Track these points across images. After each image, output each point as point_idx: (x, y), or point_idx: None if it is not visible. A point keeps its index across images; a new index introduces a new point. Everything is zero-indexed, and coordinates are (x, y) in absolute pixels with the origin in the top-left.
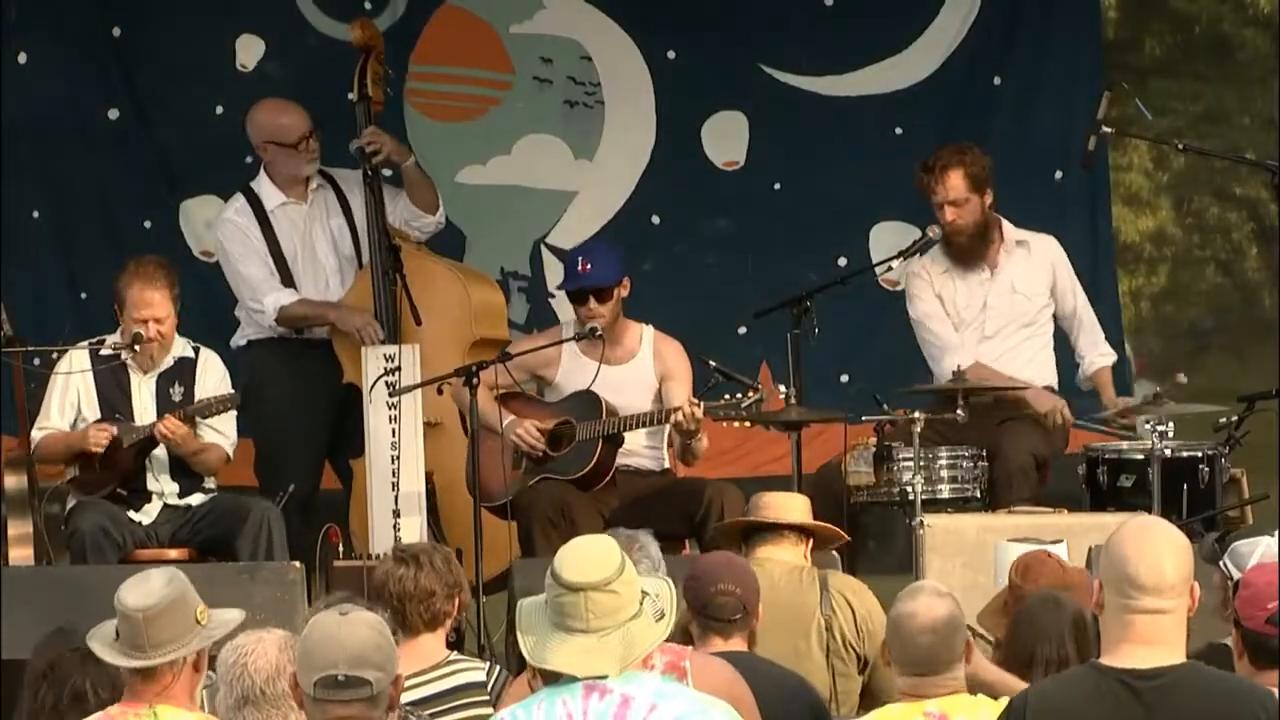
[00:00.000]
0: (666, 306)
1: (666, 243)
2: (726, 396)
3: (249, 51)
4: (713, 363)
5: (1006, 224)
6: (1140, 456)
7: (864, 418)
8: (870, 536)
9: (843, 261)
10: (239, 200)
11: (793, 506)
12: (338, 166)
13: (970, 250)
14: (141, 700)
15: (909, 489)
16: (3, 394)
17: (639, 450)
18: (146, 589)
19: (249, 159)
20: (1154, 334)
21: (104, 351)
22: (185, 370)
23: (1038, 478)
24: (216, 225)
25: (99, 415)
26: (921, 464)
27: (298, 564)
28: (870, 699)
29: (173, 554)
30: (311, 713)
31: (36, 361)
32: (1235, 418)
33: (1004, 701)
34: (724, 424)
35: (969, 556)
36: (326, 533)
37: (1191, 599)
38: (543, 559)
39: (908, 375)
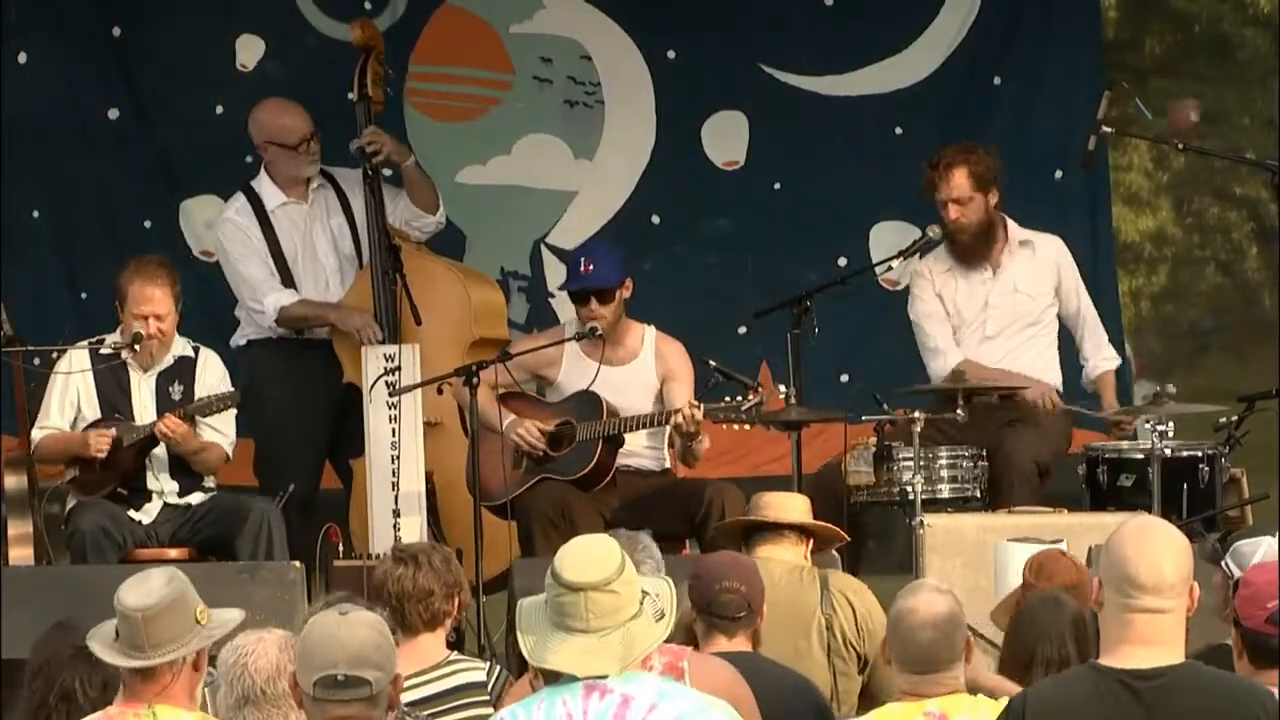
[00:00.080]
0: (666, 306)
1: (666, 243)
2: (727, 399)
3: (249, 51)
4: (713, 363)
5: (1011, 224)
6: (1140, 456)
7: (864, 418)
8: (870, 536)
9: (843, 261)
10: (239, 200)
11: (793, 506)
12: (338, 166)
13: (973, 249)
14: (141, 700)
15: (909, 489)
16: (3, 394)
17: (639, 450)
18: (146, 589)
19: (249, 159)
20: (1154, 334)
21: (104, 351)
22: (185, 369)
23: (1038, 481)
24: (217, 225)
25: (99, 414)
26: (921, 464)
27: (298, 564)
28: (870, 699)
29: (173, 553)
30: (311, 712)
31: (36, 361)
32: (1235, 418)
33: (1004, 701)
34: (724, 426)
35: (969, 556)
36: (326, 532)
37: (1191, 599)
38: (543, 559)
39: (908, 375)
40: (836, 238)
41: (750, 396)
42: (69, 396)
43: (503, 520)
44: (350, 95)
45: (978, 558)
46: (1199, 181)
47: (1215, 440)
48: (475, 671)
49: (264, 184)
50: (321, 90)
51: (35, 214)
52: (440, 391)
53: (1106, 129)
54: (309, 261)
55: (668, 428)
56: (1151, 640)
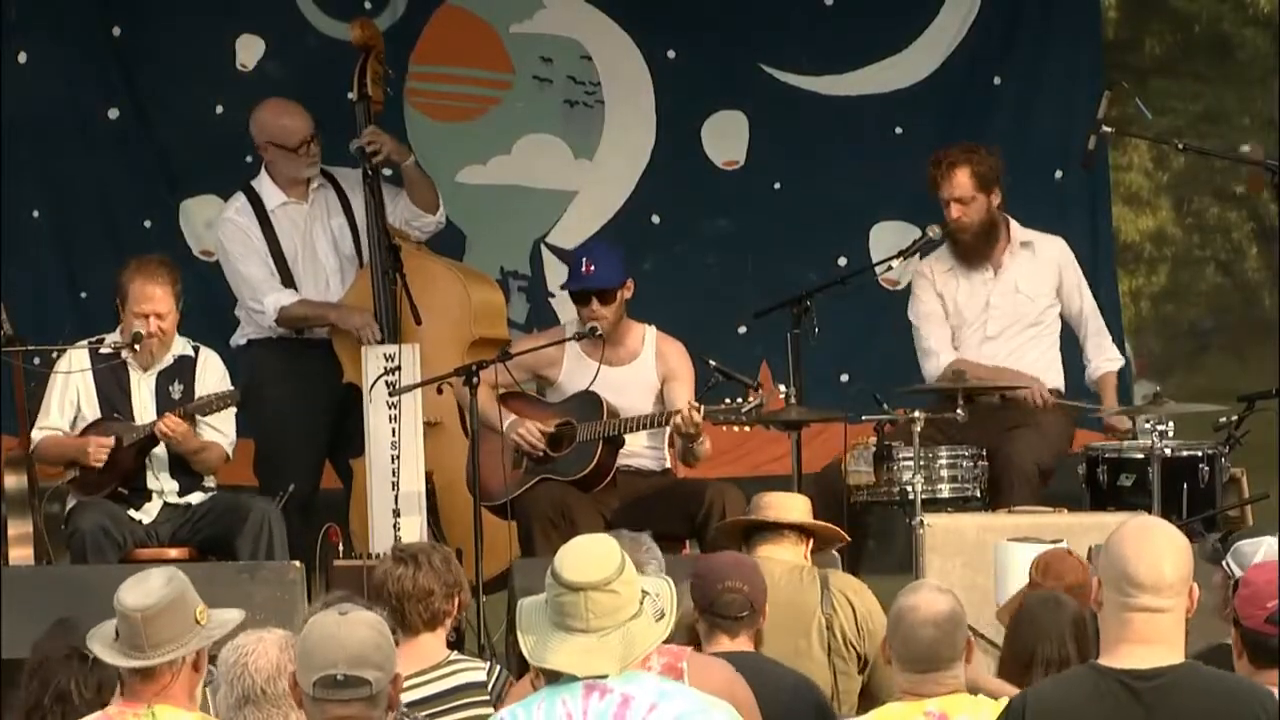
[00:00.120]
0: (666, 306)
1: (666, 243)
2: (727, 401)
3: (249, 51)
4: (713, 362)
5: (1014, 224)
6: (1140, 456)
7: (864, 418)
8: (870, 536)
9: (843, 261)
10: (239, 199)
11: (794, 506)
12: (339, 166)
13: (974, 249)
14: (140, 700)
15: (909, 489)
16: (3, 394)
17: (640, 450)
18: (145, 589)
19: (249, 159)
20: (1154, 334)
21: (103, 350)
22: (185, 369)
23: (1040, 483)
24: (217, 224)
25: (98, 414)
26: (921, 464)
27: (298, 564)
28: (869, 699)
29: (173, 553)
30: (311, 712)
31: (36, 361)
32: (1235, 417)
33: (1004, 702)
34: (724, 427)
35: (969, 556)
36: (326, 532)
37: (1190, 599)
38: (543, 559)
39: (908, 375)
40: (836, 238)
41: (751, 398)
42: (69, 396)
43: (503, 520)
44: (350, 95)
45: (978, 558)
46: (1199, 181)
47: (1215, 440)
48: (475, 671)
49: (264, 184)
50: (321, 90)
51: (35, 214)
52: (440, 391)
53: (1106, 129)
54: (309, 261)
55: (668, 427)
56: (1151, 640)
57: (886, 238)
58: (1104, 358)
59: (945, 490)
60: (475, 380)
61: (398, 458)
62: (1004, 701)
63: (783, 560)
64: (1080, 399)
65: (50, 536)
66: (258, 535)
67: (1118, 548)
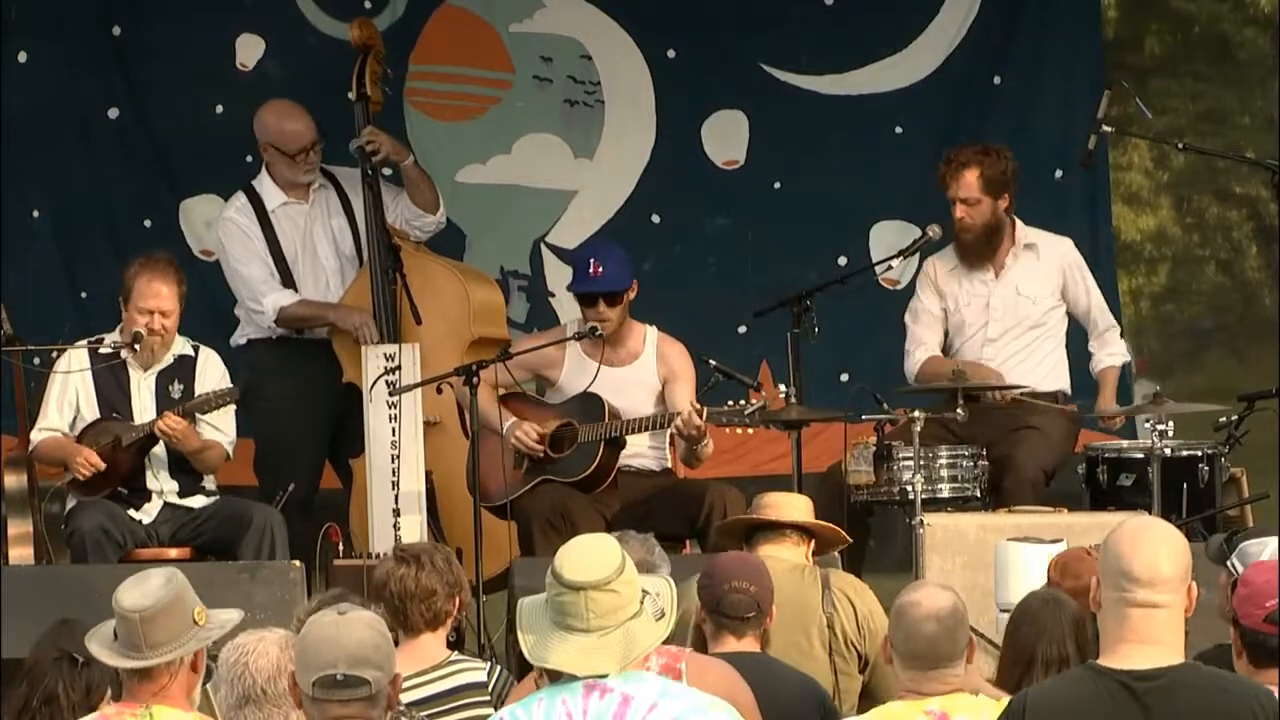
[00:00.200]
0: (666, 306)
1: (666, 242)
2: (730, 403)
3: (249, 51)
4: (713, 362)
5: (1020, 226)
6: (1140, 456)
7: (864, 417)
8: (870, 536)
9: (843, 261)
10: (240, 199)
11: (795, 506)
12: (339, 166)
13: (976, 251)
14: (138, 701)
15: (909, 489)
16: (2, 394)
17: (642, 450)
18: (144, 589)
19: (249, 159)
20: (1154, 334)
21: (103, 350)
22: (185, 368)
23: (1044, 486)
24: (217, 224)
25: (98, 414)
26: (921, 463)
27: (298, 563)
28: (870, 699)
29: (173, 553)
30: (310, 712)
31: (36, 361)
32: (1235, 417)
33: (1005, 702)
34: (726, 429)
35: (969, 556)
36: (326, 532)
37: (1189, 598)
38: (543, 559)
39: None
40: (836, 238)
41: (753, 400)
42: (68, 397)
43: (502, 520)
44: (349, 95)
45: (978, 557)
46: (1199, 181)
47: (1215, 440)
48: (476, 672)
49: (265, 184)
50: (321, 90)
51: (35, 214)
52: (440, 391)
53: (1106, 128)
54: (309, 262)
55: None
56: (1149, 638)
57: (886, 238)
58: (1106, 352)
59: (945, 490)
60: (475, 380)
61: (398, 457)
62: (1004, 702)
63: (784, 560)
64: (1087, 401)
65: (50, 536)
66: (260, 541)
67: (1115, 546)
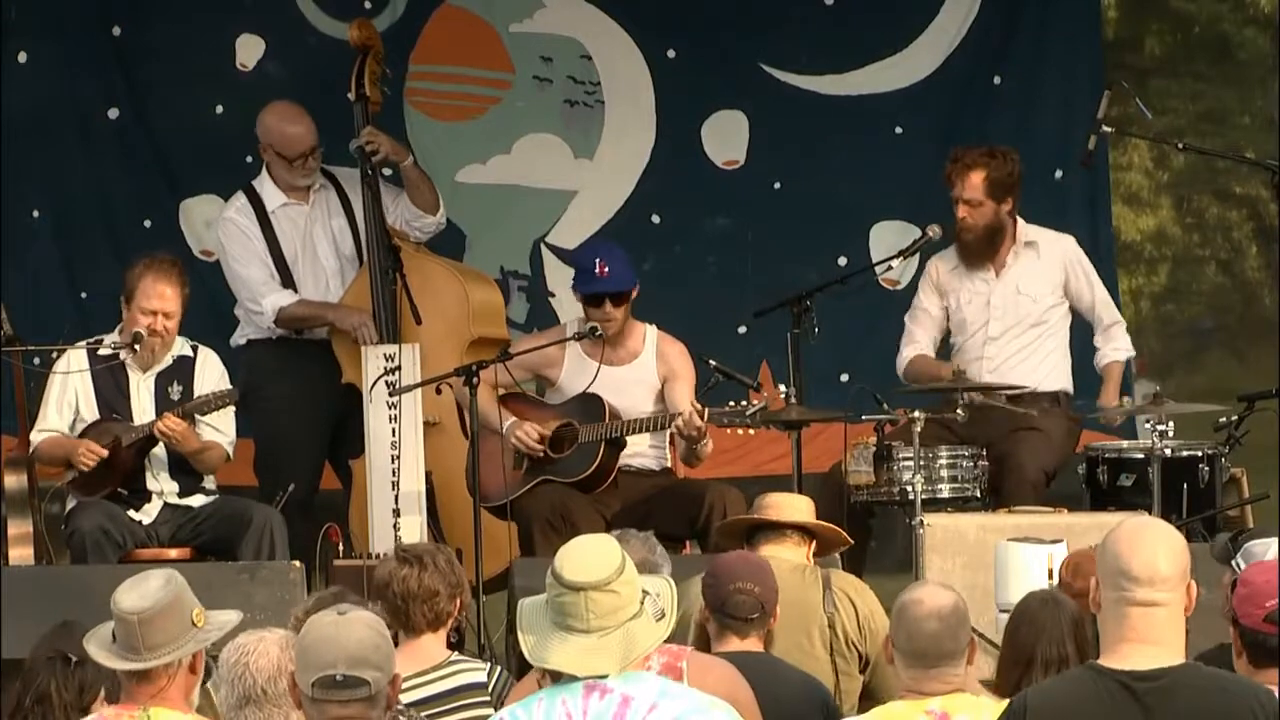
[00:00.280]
0: (666, 306)
1: (666, 242)
2: (731, 403)
3: (249, 51)
4: (713, 362)
5: (1021, 224)
6: (1140, 456)
7: (864, 417)
8: (871, 536)
9: (843, 261)
10: (240, 199)
11: (797, 507)
12: (340, 167)
13: (976, 251)
14: (136, 702)
15: (909, 489)
16: (2, 394)
17: (643, 450)
18: (142, 591)
19: (249, 159)
20: (1154, 334)
21: (102, 351)
22: (184, 369)
23: (1045, 488)
24: (217, 224)
25: (97, 415)
26: (921, 464)
27: (298, 563)
28: (870, 699)
29: (173, 554)
30: (310, 713)
31: (36, 361)
32: (1235, 417)
33: (1005, 702)
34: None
35: (969, 556)
36: (326, 532)
37: (1189, 597)
38: (543, 559)
39: None
40: (836, 238)
41: (754, 400)
42: (67, 398)
43: (502, 520)
44: (348, 95)
45: (978, 558)
46: (1199, 181)
47: (1215, 440)
48: (476, 672)
49: (265, 184)
50: (321, 90)
51: (35, 214)
52: (439, 391)
53: (1106, 129)
54: (309, 262)
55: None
56: (1149, 638)
57: (886, 238)
58: (1112, 346)
59: (945, 490)
60: (475, 380)
61: (398, 458)
62: (1005, 702)
63: (785, 560)
64: (1089, 400)
65: (50, 537)
66: (260, 541)
67: (1113, 546)
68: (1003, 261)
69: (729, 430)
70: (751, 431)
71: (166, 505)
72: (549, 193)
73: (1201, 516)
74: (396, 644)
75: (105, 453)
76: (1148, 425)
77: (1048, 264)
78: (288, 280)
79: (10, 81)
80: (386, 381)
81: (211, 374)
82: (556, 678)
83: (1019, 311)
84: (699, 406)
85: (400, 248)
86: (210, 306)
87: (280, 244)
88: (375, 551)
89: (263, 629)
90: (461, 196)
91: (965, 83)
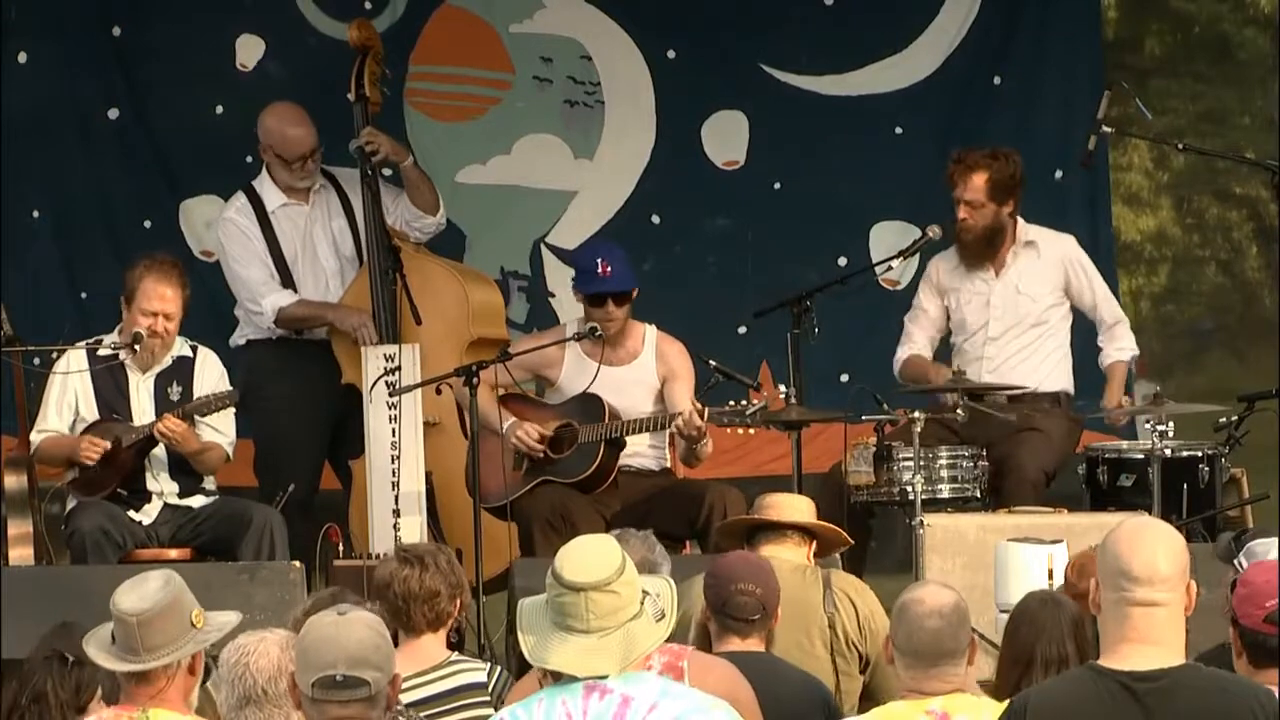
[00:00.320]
0: (666, 306)
1: (666, 243)
2: (730, 403)
3: (249, 51)
4: (713, 363)
5: (1021, 224)
6: (1140, 456)
7: (864, 418)
8: (871, 536)
9: (843, 261)
10: (240, 199)
11: (797, 507)
12: (340, 167)
13: (976, 251)
14: (135, 704)
15: (909, 489)
16: (3, 394)
17: (642, 450)
18: (141, 592)
19: (249, 159)
20: (1154, 334)
21: (102, 352)
22: (184, 369)
23: (1045, 488)
24: (217, 224)
25: (97, 416)
26: (921, 464)
27: (298, 564)
28: (870, 700)
29: (173, 554)
30: (310, 713)
31: (36, 361)
32: (1235, 418)
33: (1005, 703)
34: (728, 430)
35: (969, 556)
36: (326, 532)
37: (1189, 597)
38: (543, 559)
39: None
40: (836, 238)
41: (754, 400)
42: (66, 398)
43: (502, 520)
44: (348, 95)
45: (978, 558)
46: (1199, 181)
47: (1215, 440)
48: (476, 672)
49: (265, 184)
50: (321, 90)
51: (35, 214)
52: (439, 392)
53: (1106, 129)
54: (309, 263)
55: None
56: (1149, 638)
57: (886, 238)
58: (1115, 346)
59: (945, 490)
60: (475, 381)
61: (398, 458)
62: (1005, 703)
63: (786, 560)
64: (1093, 399)
65: (50, 537)
66: (260, 542)
67: (1113, 546)
68: (1002, 261)
69: (729, 430)
70: (751, 431)
71: (166, 506)
72: (549, 193)
73: (1201, 517)
74: (396, 644)
75: (108, 445)
76: (1148, 425)
77: (1048, 264)
78: (287, 281)
79: (10, 81)
80: (386, 382)
81: (211, 374)
82: (557, 678)
83: (1019, 311)
84: (699, 406)
85: (400, 248)
86: (210, 307)
87: (280, 244)
88: (375, 552)
89: (263, 629)
90: (461, 197)
91: (965, 83)
